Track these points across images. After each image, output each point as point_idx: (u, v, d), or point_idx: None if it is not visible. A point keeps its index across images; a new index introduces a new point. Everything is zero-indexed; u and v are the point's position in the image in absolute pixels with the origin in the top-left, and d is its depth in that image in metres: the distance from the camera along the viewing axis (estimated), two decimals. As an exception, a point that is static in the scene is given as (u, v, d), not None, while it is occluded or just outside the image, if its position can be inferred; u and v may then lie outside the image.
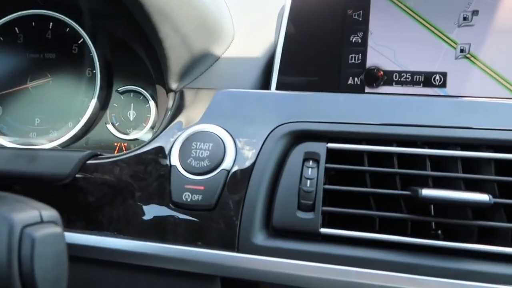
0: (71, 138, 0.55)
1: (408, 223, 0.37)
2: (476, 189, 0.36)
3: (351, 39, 0.48)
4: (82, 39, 0.56)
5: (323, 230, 0.36)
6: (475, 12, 0.46)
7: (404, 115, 0.40)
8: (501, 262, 0.35)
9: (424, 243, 0.36)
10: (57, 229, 0.22)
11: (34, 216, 0.20)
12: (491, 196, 0.34)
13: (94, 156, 0.42)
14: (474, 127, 0.39)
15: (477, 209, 0.36)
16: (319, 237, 0.37)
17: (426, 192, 0.35)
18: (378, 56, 0.47)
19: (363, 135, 0.40)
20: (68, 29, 0.57)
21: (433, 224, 0.38)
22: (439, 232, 0.38)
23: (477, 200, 0.34)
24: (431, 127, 0.39)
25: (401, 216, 0.36)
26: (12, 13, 0.57)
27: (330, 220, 0.38)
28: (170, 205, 0.39)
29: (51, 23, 0.57)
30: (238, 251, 0.37)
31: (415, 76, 0.47)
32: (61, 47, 0.57)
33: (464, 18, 0.46)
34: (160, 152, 0.41)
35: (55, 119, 0.57)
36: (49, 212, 0.22)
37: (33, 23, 0.58)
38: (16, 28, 0.58)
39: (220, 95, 0.44)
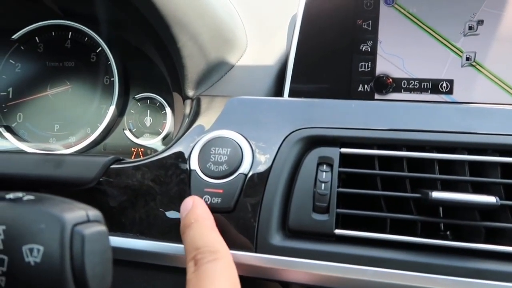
0: (89, 143, 0.57)
1: (418, 224, 0.39)
2: (483, 191, 0.38)
3: (361, 48, 0.50)
4: (100, 48, 0.58)
5: (338, 231, 0.38)
6: (480, 22, 0.47)
7: (412, 121, 0.42)
8: (509, 261, 0.36)
9: (434, 243, 0.37)
10: (103, 228, 0.24)
11: (82, 215, 0.22)
12: (498, 198, 0.36)
13: (117, 161, 0.44)
14: (480, 132, 0.40)
15: (484, 210, 0.38)
16: (333, 238, 0.38)
17: (436, 194, 0.36)
18: (387, 64, 0.49)
19: (374, 140, 0.41)
20: (86, 38, 0.59)
21: (442, 225, 0.40)
22: (448, 233, 0.40)
23: (484, 202, 0.36)
24: (439, 132, 0.41)
25: (412, 217, 0.38)
26: (32, 23, 0.59)
27: (343, 221, 0.40)
28: (190, 208, 0.41)
29: (70, 33, 0.59)
30: (256, 251, 0.39)
31: (423, 83, 0.48)
32: (80, 55, 0.59)
33: (470, 28, 0.48)
34: (180, 157, 0.43)
35: (74, 125, 0.59)
36: (94, 212, 0.23)
37: (53, 33, 0.60)
38: (37, 38, 0.60)
39: (233, 102, 0.46)
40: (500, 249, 0.36)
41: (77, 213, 0.22)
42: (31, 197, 0.22)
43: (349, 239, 0.38)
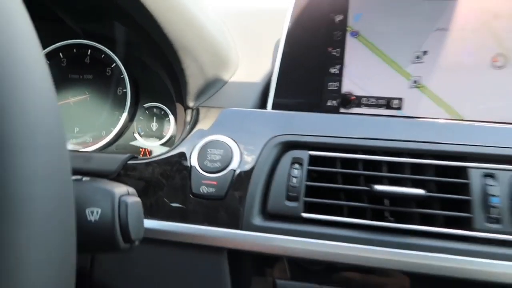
0: (104, 144, 0.68)
1: (368, 211, 0.50)
2: (420, 186, 0.49)
3: (330, 71, 0.62)
4: (115, 64, 0.69)
5: (304, 214, 0.49)
6: (425, 52, 0.59)
7: (368, 130, 0.54)
8: (437, 238, 0.48)
9: (379, 224, 0.48)
10: (138, 199, 0.34)
11: (124, 190, 0.33)
12: (426, 191, 0.47)
13: (133, 158, 0.55)
14: (421, 140, 0.52)
15: (419, 200, 0.50)
16: (301, 220, 0.50)
17: (378, 187, 0.48)
18: (351, 84, 0.61)
19: (336, 145, 0.53)
20: (103, 55, 0.70)
21: (387, 211, 0.51)
22: (392, 218, 0.51)
23: (415, 193, 0.47)
24: (388, 140, 0.53)
25: (361, 205, 0.49)
26: (58, 42, 0.70)
27: (311, 208, 0.51)
28: (190, 196, 0.52)
29: (89, 50, 0.70)
30: (242, 230, 0.50)
31: (379, 100, 0.60)
32: (97, 70, 0.70)
33: (417, 57, 0.59)
34: (183, 156, 0.54)
35: (91, 129, 0.69)
36: (131, 189, 0.34)
37: (75, 50, 0.71)
38: (60, 54, 0.71)
39: (226, 112, 0.58)
40: (429, 229, 0.48)
41: (121, 188, 0.32)
42: (87, 178, 0.33)
43: (314, 221, 0.50)
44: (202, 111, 0.62)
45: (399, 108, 0.59)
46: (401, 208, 0.49)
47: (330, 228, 0.49)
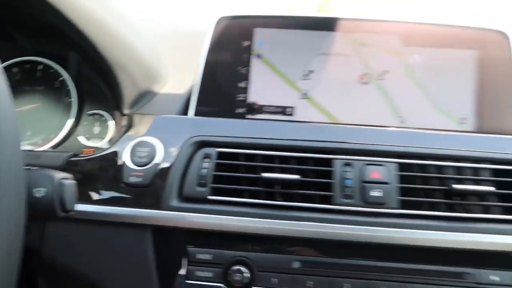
0: (53, 145, 0.80)
1: (262, 193, 0.65)
2: (301, 174, 0.65)
3: (239, 85, 0.77)
4: (62, 77, 0.82)
5: (210, 197, 0.64)
6: (311, 71, 0.76)
7: (267, 132, 0.69)
8: (310, 212, 0.63)
9: (268, 203, 0.64)
10: (73, 181, 0.48)
11: (63, 175, 0.46)
12: (299, 176, 0.63)
13: (75, 155, 0.68)
14: (305, 139, 0.68)
15: (300, 184, 0.65)
16: (209, 201, 0.64)
17: (266, 175, 0.63)
18: (255, 95, 0.77)
19: (241, 144, 0.68)
20: (52, 70, 0.82)
21: (277, 193, 0.66)
22: (281, 198, 0.66)
23: (290, 178, 0.63)
24: (281, 139, 0.68)
25: (252, 188, 0.64)
26: (13, 58, 0.81)
27: (221, 192, 0.65)
28: (122, 184, 0.65)
29: (41, 65, 0.82)
30: (162, 210, 0.64)
31: (276, 108, 0.76)
32: (48, 82, 0.82)
33: (305, 75, 0.76)
34: (117, 153, 0.68)
35: (42, 132, 0.81)
36: (68, 175, 0.48)
37: (28, 65, 0.82)
38: (16, 68, 0.82)
39: (156, 118, 0.72)
40: (307, 205, 0.64)
41: (60, 174, 0.46)
42: (36, 168, 0.46)
43: (219, 201, 0.65)
44: (136, 117, 0.76)
45: (291, 115, 0.76)
46: (285, 190, 0.65)
47: (232, 207, 0.64)
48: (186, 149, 0.67)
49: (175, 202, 0.64)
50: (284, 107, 0.76)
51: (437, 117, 0.75)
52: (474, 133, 0.74)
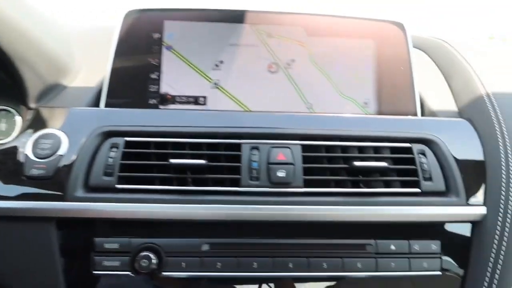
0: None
1: (174, 179, 0.66)
2: (213, 160, 0.67)
3: (151, 76, 0.78)
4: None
5: (118, 186, 0.64)
6: (221, 62, 0.78)
7: (176, 120, 0.70)
8: (220, 195, 0.65)
9: (176, 189, 0.64)
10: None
11: None
12: (206, 161, 0.65)
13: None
14: (213, 125, 0.70)
15: (209, 168, 0.67)
16: (116, 190, 0.64)
17: (173, 161, 0.64)
18: (167, 86, 0.77)
19: (148, 132, 0.68)
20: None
21: (189, 178, 0.67)
22: (192, 184, 0.67)
23: (198, 163, 0.65)
24: (191, 127, 0.69)
25: (161, 175, 0.65)
26: None
27: (129, 181, 0.65)
28: (23, 178, 0.63)
29: None
30: (67, 201, 0.63)
31: (188, 98, 0.78)
32: None
33: (216, 65, 0.78)
34: (19, 146, 0.66)
35: None
36: None
37: None
38: None
39: (65, 111, 0.70)
40: (212, 189, 0.65)
41: None
42: None
43: (127, 190, 0.64)
44: (44, 111, 0.74)
45: (204, 104, 0.78)
46: (193, 176, 0.66)
47: (141, 195, 0.64)
48: (93, 140, 0.66)
49: (80, 193, 0.63)
50: (196, 97, 0.77)
51: (342, 103, 0.80)
52: (376, 115, 0.79)
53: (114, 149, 0.66)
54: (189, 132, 0.69)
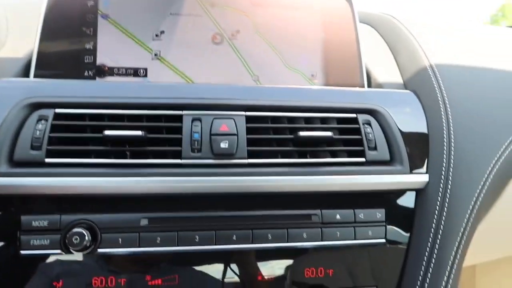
0: None
1: (107, 153, 0.62)
2: (153, 132, 0.63)
3: (86, 47, 0.73)
4: None
5: (47, 160, 0.59)
6: (162, 32, 0.75)
7: (113, 91, 0.66)
8: (160, 168, 0.62)
9: (112, 162, 0.60)
10: None
11: None
12: (143, 132, 0.61)
13: None
14: (154, 96, 0.66)
15: (155, 142, 0.63)
16: (46, 165, 0.59)
17: (107, 132, 0.60)
18: (104, 57, 0.73)
19: (80, 104, 0.63)
20: None
21: (128, 151, 0.63)
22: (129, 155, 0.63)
23: (134, 135, 0.61)
24: (128, 98, 0.65)
25: (95, 148, 0.61)
26: None
27: (61, 155, 0.61)
28: None
29: None
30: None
31: (128, 70, 0.73)
32: None
33: (156, 35, 0.74)
34: None
35: None
36: None
37: None
38: None
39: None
40: (152, 161, 0.61)
41: None
42: None
43: (60, 164, 0.60)
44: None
45: (145, 76, 0.74)
46: (130, 148, 0.62)
47: (74, 169, 0.60)
48: (18, 112, 0.61)
49: (4, 168, 0.58)
50: (136, 69, 0.73)
51: (289, 75, 0.78)
52: (322, 87, 0.78)
53: (42, 122, 0.61)
54: (127, 103, 0.65)
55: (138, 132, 0.61)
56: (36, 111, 0.62)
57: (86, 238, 0.57)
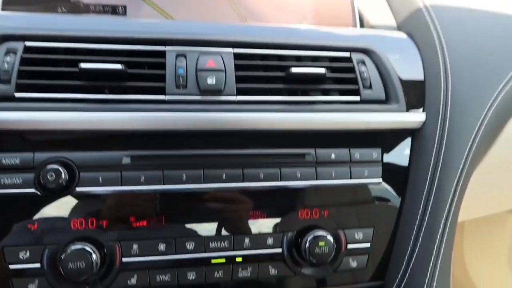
0: None
1: (87, 87, 0.57)
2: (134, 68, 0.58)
3: (58, -19, 0.67)
4: None
5: (17, 94, 0.54)
6: (142, -33, 0.69)
7: (90, 25, 0.61)
8: (144, 104, 0.57)
9: (90, 97, 0.55)
10: None
11: None
12: (122, 66, 0.56)
13: None
14: (134, 30, 0.61)
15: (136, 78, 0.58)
16: (16, 99, 0.54)
17: (83, 65, 0.55)
18: (78, -7, 0.67)
19: (53, 36, 0.57)
20: None
21: (106, 86, 0.58)
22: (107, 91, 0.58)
23: (112, 68, 0.56)
24: (106, 31, 0.60)
25: (71, 83, 0.56)
26: None
27: (32, 89, 0.55)
28: None
29: None
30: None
31: (105, 7, 0.68)
32: None
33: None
34: None
35: None
36: None
37: None
38: None
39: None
40: (134, 97, 0.57)
41: None
42: None
43: (32, 99, 0.54)
44: None
45: (124, 14, 0.68)
46: (115, 83, 0.57)
47: (47, 104, 0.54)
48: (-18, 44, 0.56)
49: (-30, 103, 0.53)
50: (114, 6, 0.68)
51: (279, 16, 0.74)
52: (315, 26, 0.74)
53: (11, 55, 0.56)
54: (105, 37, 0.60)
55: (118, 66, 0.56)
56: (4, 43, 0.57)
57: (63, 175, 0.52)
